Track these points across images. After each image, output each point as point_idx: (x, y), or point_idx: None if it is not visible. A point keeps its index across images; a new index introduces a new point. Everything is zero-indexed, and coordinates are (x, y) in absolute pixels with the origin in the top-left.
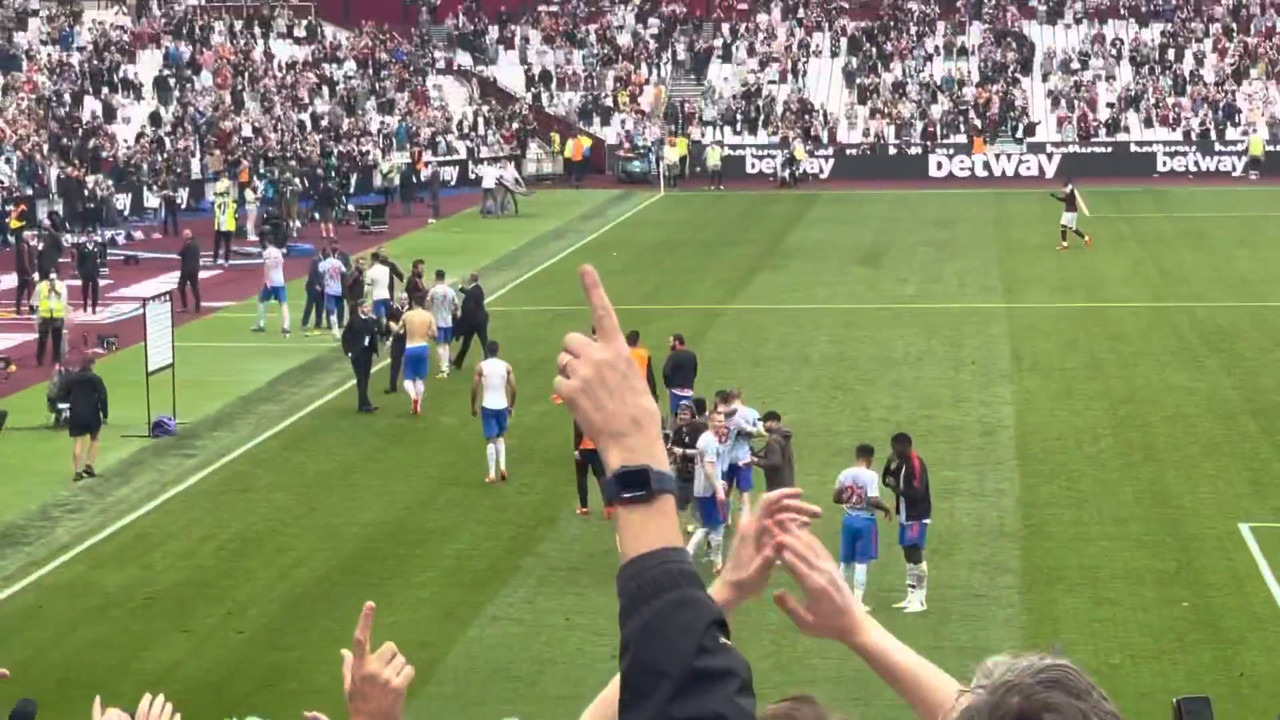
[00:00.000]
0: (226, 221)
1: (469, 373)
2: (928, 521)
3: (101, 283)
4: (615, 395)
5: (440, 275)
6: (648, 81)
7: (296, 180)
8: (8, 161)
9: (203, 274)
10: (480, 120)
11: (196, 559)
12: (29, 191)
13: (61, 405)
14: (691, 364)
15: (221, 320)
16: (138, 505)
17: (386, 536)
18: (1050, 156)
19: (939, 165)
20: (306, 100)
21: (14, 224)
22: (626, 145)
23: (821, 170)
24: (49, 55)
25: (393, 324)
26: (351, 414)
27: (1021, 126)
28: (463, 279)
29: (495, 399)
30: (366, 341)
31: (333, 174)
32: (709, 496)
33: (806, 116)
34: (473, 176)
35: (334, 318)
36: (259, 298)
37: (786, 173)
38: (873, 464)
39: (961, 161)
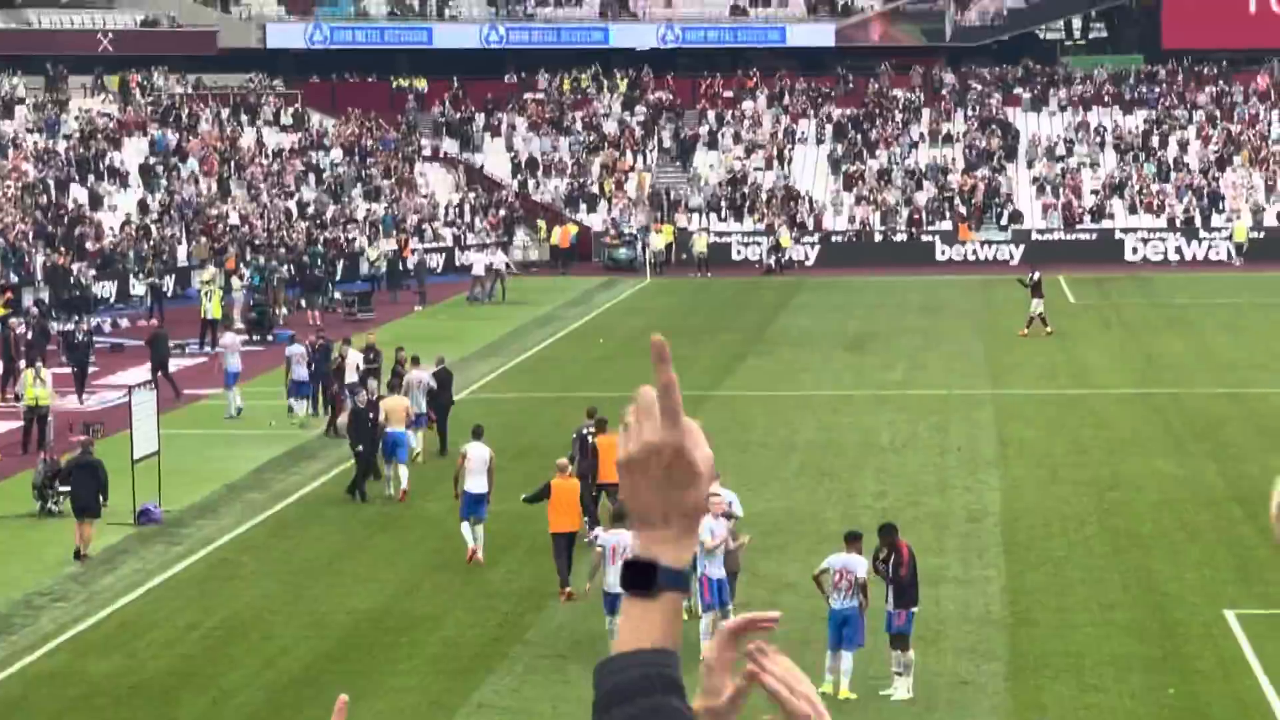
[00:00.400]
0: (213, 309)
1: (453, 456)
2: (915, 610)
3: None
4: (655, 486)
5: (415, 361)
6: (633, 168)
7: (283, 268)
8: None
9: (189, 361)
10: (467, 207)
11: (181, 647)
12: (15, 279)
13: (63, 489)
14: None
15: (207, 408)
16: (123, 593)
17: (372, 624)
18: (1024, 244)
19: (925, 252)
20: (293, 187)
21: (0, 311)
22: (613, 232)
23: (807, 257)
24: (35, 143)
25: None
26: (337, 501)
27: (1006, 214)
28: (434, 362)
29: (477, 483)
30: (371, 434)
31: (319, 261)
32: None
33: (792, 203)
34: (461, 264)
35: (305, 403)
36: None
37: (772, 260)
38: (862, 551)
39: (946, 248)
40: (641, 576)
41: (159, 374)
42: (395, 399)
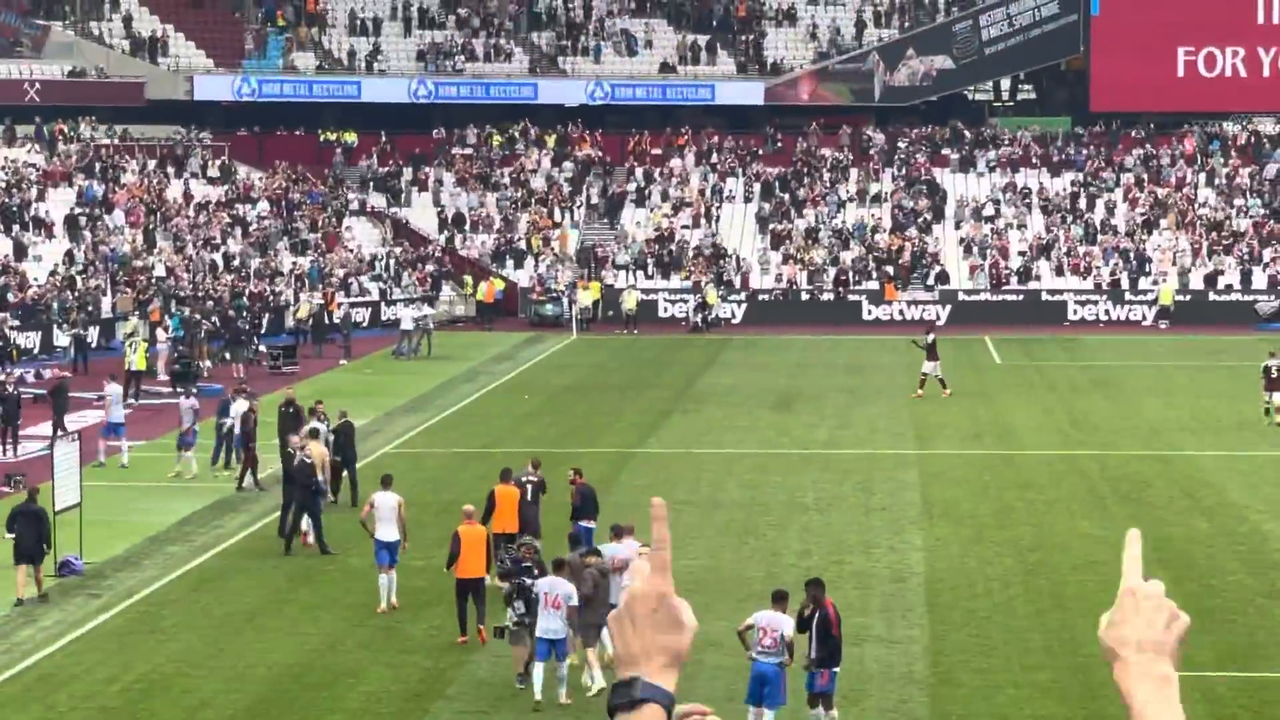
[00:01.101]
0: (137, 361)
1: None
2: (837, 669)
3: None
4: (639, 630)
5: (312, 412)
6: (560, 224)
7: (206, 321)
8: None
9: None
10: (393, 262)
11: (101, 700)
12: None
13: (9, 535)
14: (593, 496)
15: (130, 460)
16: (42, 645)
17: (294, 678)
18: (951, 304)
19: (851, 311)
20: (219, 240)
21: None
22: (539, 288)
23: (734, 315)
24: None
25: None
26: (260, 555)
27: (934, 274)
28: (336, 416)
29: (387, 530)
30: (311, 485)
31: (244, 314)
32: None
33: (719, 261)
34: (388, 318)
35: (232, 458)
36: (177, 446)
37: (699, 317)
38: (787, 610)
39: (873, 308)
40: (624, 687)
41: (57, 425)
42: (316, 445)
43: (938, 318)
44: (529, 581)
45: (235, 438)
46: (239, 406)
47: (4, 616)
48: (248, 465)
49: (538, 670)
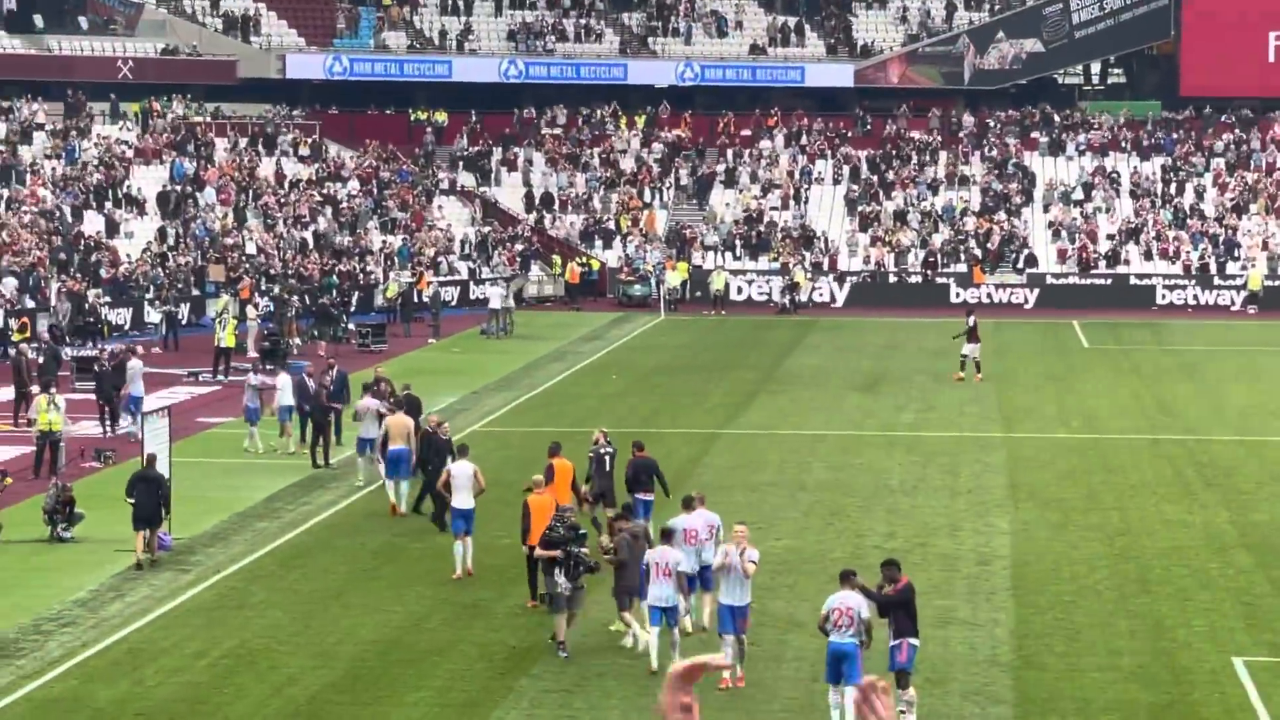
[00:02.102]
0: (227, 338)
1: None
2: (916, 643)
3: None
4: None
5: (366, 389)
6: (649, 205)
7: (296, 299)
8: (10, 275)
9: (202, 390)
10: (484, 241)
11: (189, 675)
12: (30, 304)
13: (129, 500)
14: (651, 469)
15: (218, 436)
16: (131, 620)
17: (379, 655)
18: (1039, 288)
19: (939, 294)
20: (309, 218)
21: (17, 337)
22: (627, 269)
23: (831, 296)
24: (53, 169)
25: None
26: (347, 531)
27: (1022, 257)
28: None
29: (463, 499)
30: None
31: (333, 292)
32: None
33: (808, 243)
34: (478, 297)
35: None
36: (277, 416)
37: (787, 299)
38: (855, 588)
39: (960, 291)
40: None
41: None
42: (399, 417)
43: (1025, 301)
44: (577, 550)
45: (281, 410)
46: (373, 404)
47: (93, 591)
48: (326, 442)
49: (652, 637)
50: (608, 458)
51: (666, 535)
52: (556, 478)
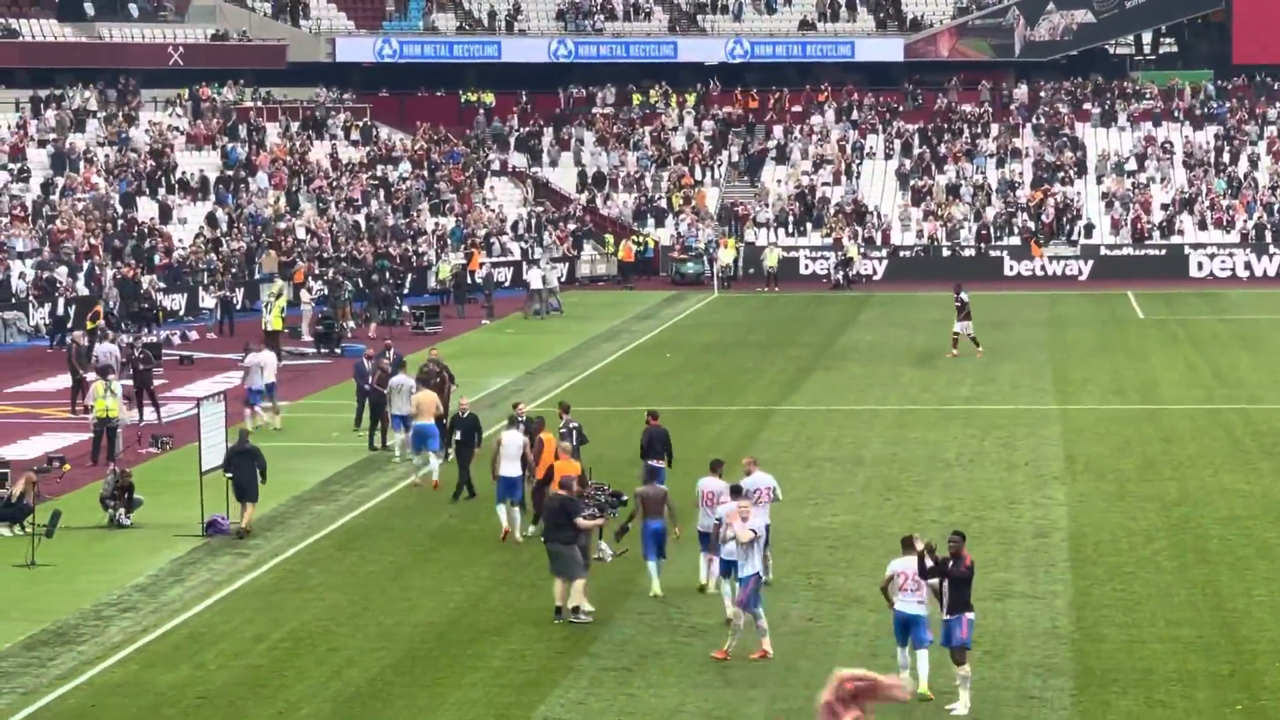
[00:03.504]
0: (273, 321)
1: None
2: (973, 616)
3: (156, 383)
4: None
5: (402, 365)
6: (700, 183)
7: (349, 282)
8: (65, 262)
9: None
10: (535, 221)
11: (249, 658)
12: (85, 291)
13: (228, 475)
14: (663, 438)
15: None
16: (191, 605)
17: (438, 637)
18: (1093, 259)
19: (993, 267)
20: (361, 201)
21: (90, 325)
22: (679, 247)
23: (875, 272)
24: (105, 156)
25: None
26: (404, 514)
27: (1079, 229)
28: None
29: (510, 467)
30: (459, 436)
31: (386, 274)
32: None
33: (860, 218)
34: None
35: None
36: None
37: (840, 274)
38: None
39: (1014, 264)
40: None
41: (141, 393)
42: (426, 393)
43: (1080, 273)
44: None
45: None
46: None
47: (153, 576)
48: (385, 425)
49: (725, 587)
50: (574, 433)
51: (736, 492)
52: (547, 450)
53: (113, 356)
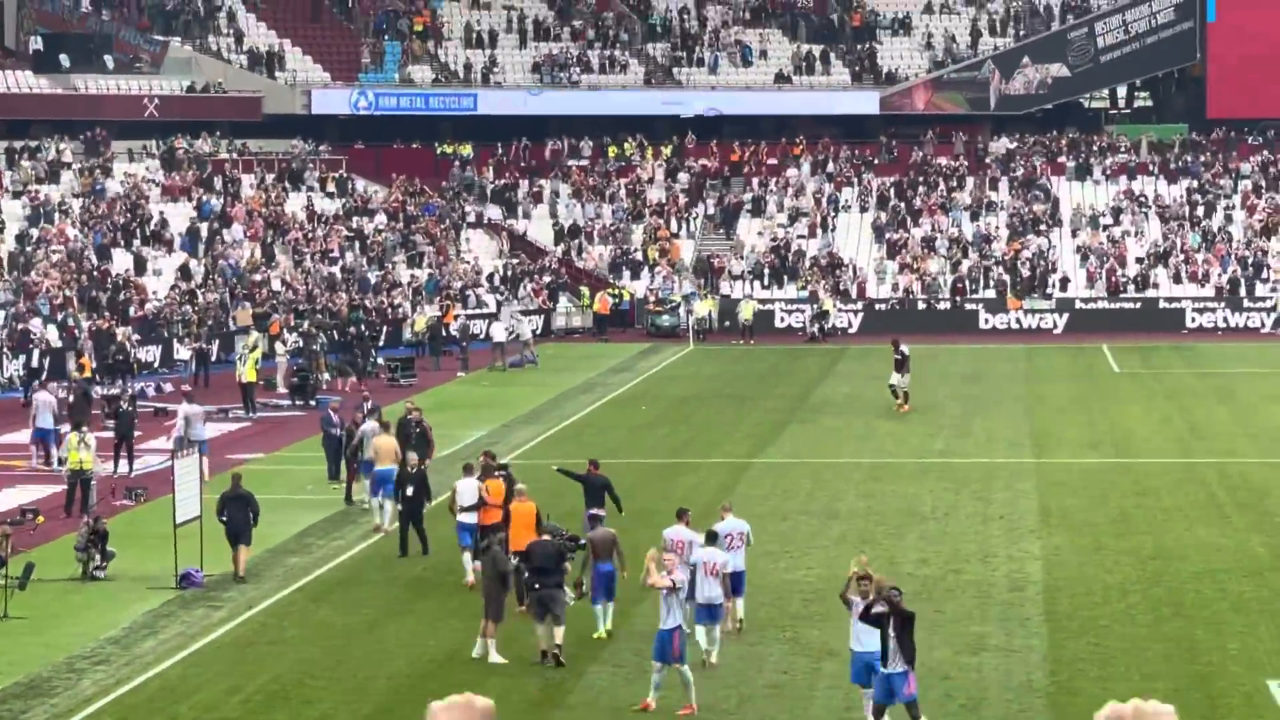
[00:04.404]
0: (247, 373)
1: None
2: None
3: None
4: None
5: (377, 413)
6: (676, 235)
7: (323, 334)
8: (36, 314)
9: (232, 426)
10: (510, 273)
11: (222, 711)
12: (58, 343)
13: (222, 519)
14: (602, 485)
15: (248, 473)
16: (164, 657)
17: (412, 689)
18: (1068, 313)
19: (968, 320)
20: (337, 253)
21: (77, 376)
22: (654, 300)
23: (850, 324)
24: (80, 207)
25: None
26: (379, 566)
27: (1055, 282)
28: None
29: (469, 515)
30: (410, 491)
31: (361, 326)
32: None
33: (836, 271)
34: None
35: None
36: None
37: (816, 327)
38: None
39: (990, 317)
40: None
41: (121, 444)
42: (385, 439)
43: (1055, 326)
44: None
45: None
46: (370, 426)
47: (126, 628)
48: (352, 479)
49: (700, 633)
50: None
51: (711, 538)
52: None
53: (50, 407)
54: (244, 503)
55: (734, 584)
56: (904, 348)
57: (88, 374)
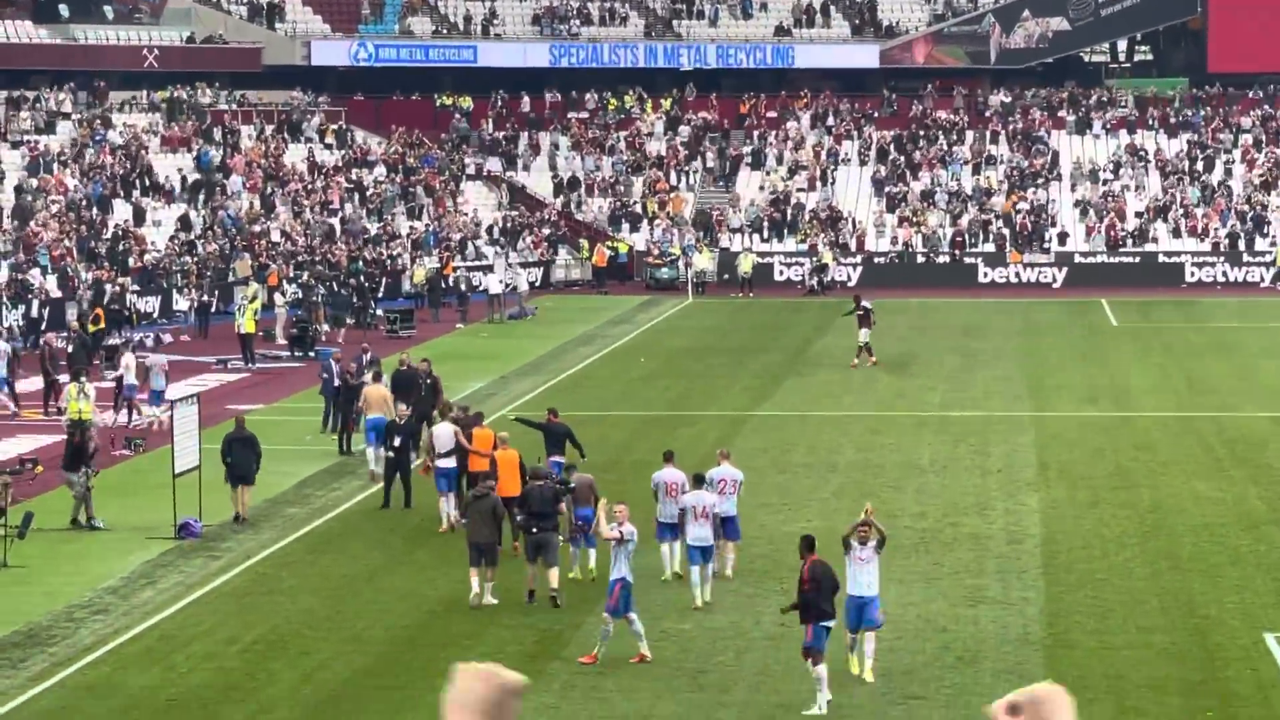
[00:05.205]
0: (246, 324)
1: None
2: (825, 625)
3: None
4: None
5: (377, 365)
6: (676, 189)
7: (323, 285)
8: (38, 265)
9: (231, 377)
10: (509, 225)
11: (220, 661)
12: (59, 294)
13: (226, 460)
14: (563, 433)
15: (247, 423)
16: (163, 607)
17: (411, 640)
18: (1067, 266)
19: (967, 274)
20: (336, 205)
21: (92, 328)
22: (655, 252)
23: (849, 278)
24: (79, 158)
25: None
26: (378, 517)
27: (1053, 236)
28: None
29: (446, 460)
30: (398, 443)
31: (360, 277)
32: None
33: (835, 224)
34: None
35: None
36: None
37: (815, 280)
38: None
39: (989, 271)
40: None
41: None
42: (375, 388)
43: (1054, 280)
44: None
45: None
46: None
47: (124, 578)
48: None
49: (694, 574)
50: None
51: (698, 480)
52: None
53: (4, 355)
54: (248, 444)
55: (726, 530)
56: (865, 303)
57: (101, 325)
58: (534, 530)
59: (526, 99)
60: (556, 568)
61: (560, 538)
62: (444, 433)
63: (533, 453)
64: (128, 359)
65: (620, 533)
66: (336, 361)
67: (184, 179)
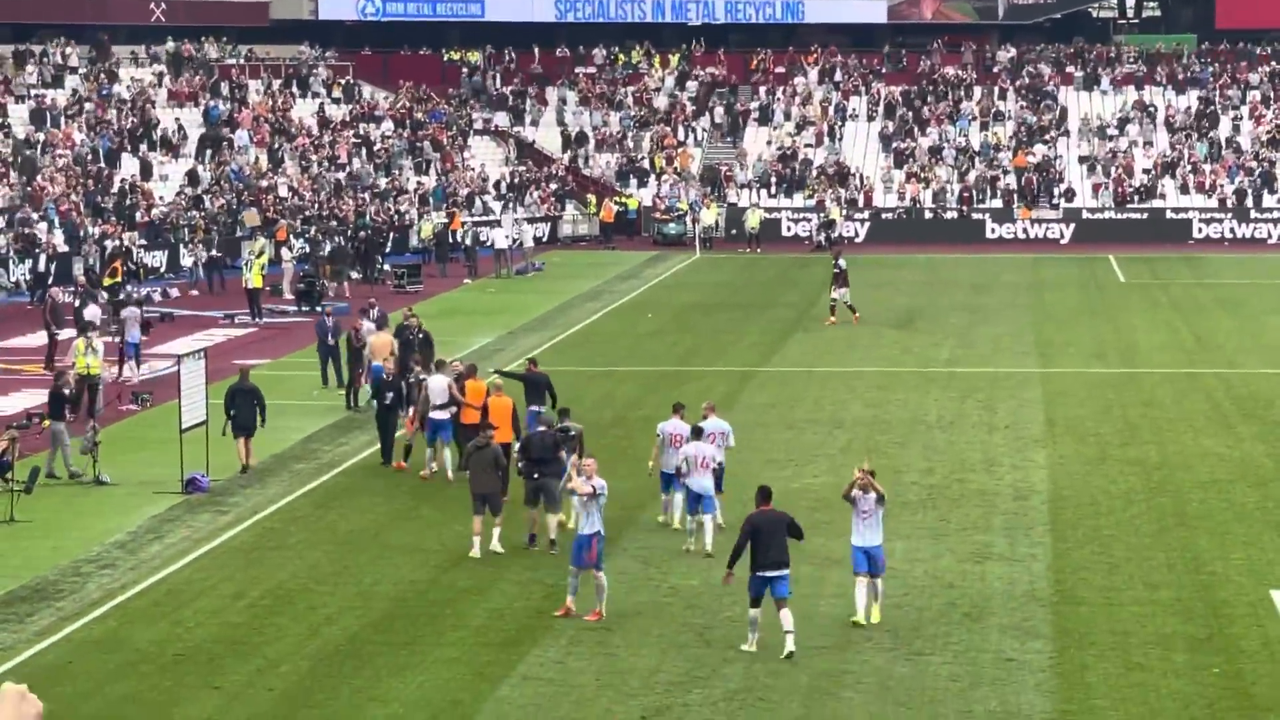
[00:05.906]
0: (254, 279)
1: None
2: (763, 575)
3: (139, 339)
4: None
5: (384, 320)
6: (683, 144)
7: (330, 240)
8: (45, 219)
9: (238, 331)
10: (517, 180)
11: (227, 616)
12: (65, 248)
13: (230, 413)
14: (543, 383)
15: (254, 378)
16: (170, 562)
17: (418, 595)
18: (1075, 223)
19: (975, 230)
20: (344, 160)
21: (108, 282)
22: (662, 208)
23: (857, 234)
24: (86, 112)
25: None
26: (384, 473)
27: (1060, 192)
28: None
29: (440, 412)
30: (388, 400)
31: (368, 231)
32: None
33: (843, 180)
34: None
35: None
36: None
37: (822, 236)
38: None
39: (996, 226)
40: None
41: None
42: (380, 336)
43: (1061, 236)
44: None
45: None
46: (368, 326)
47: (132, 533)
48: (357, 385)
49: (689, 521)
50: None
51: (697, 433)
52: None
53: (98, 318)
54: (251, 396)
55: (717, 483)
56: (842, 261)
57: (119, 279)
58: (535, 476)
59: (535, 53)
60: (558, 514)
61: (560, 484)
62: (438, 385)
63: (525, 405)
64: (129, 312)
65: (592, 487)
66: (328, 316)
67: (184, 132)
